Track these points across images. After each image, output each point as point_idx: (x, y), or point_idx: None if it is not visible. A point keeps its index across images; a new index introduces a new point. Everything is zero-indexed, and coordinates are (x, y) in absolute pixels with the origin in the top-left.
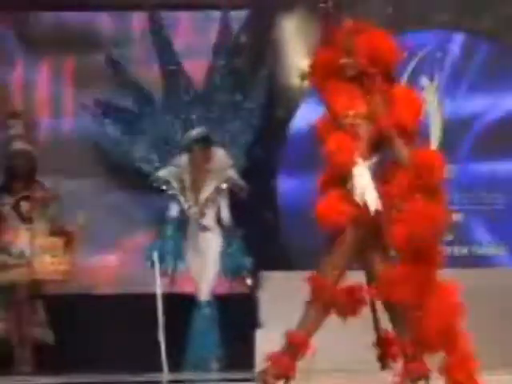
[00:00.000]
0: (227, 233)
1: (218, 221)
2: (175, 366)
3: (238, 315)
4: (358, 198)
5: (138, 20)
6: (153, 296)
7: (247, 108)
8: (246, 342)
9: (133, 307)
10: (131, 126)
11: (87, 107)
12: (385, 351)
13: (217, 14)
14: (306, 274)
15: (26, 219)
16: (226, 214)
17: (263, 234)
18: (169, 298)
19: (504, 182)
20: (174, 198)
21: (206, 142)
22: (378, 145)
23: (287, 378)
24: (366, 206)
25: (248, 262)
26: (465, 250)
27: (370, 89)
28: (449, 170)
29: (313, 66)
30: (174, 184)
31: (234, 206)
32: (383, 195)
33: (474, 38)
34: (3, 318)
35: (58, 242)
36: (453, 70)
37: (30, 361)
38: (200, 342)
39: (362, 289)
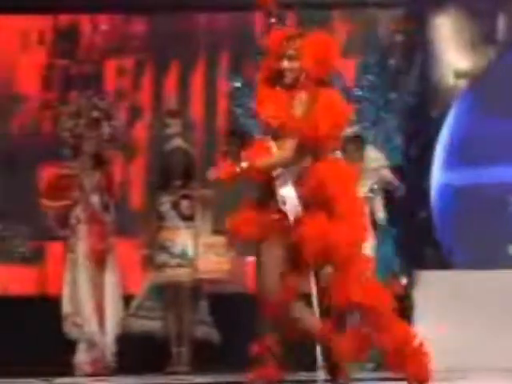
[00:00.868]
0: (381, 233)
1: (373, 221)
2: None
3: None
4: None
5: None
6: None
7: (401, 107)
8: None
9: None
10: None
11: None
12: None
13: (368, 11)
14: (461, 273)
15: (187, 218)
16: (381, 214)
17: (417, 233)
18: None
19: None
20: None
21: (359, 141)
22: (304, 149)
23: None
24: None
25: (397, 262)
26: None
27: (300, 91)
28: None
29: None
30: None
31: (388, 206)
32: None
33: None
34: (162, 317)
35: (221, 240)
36: None
37: (188, 360)
38: None
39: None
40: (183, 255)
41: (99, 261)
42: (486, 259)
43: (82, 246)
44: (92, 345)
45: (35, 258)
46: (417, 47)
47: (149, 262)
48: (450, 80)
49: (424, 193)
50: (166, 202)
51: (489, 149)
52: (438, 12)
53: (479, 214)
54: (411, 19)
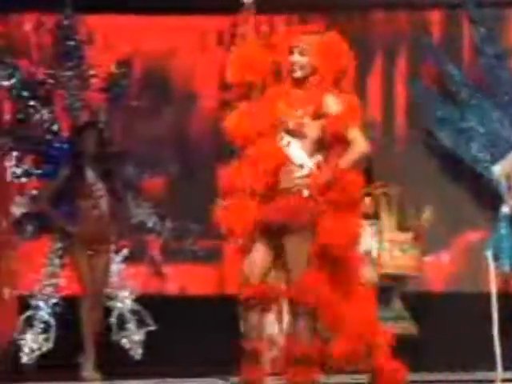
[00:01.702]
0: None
1: None
2: (509, 364)
3: None
4: None
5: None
6: (484, 295)
7: None
8: None
9: (464, 306)
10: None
11: None
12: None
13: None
14: None
15: (369, 216)
16: None
17: None
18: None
19: None
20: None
21: None
22: (323, 144)
23: None
24: None
25: None
26: None
27: (319, 89)
28: None
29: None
30: (503, 180)
31: None
32: None
33: None
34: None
35: (408, 236)
36: None
37: None
38: None
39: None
40: (367, 253)
41: None
42: None
43: None
44: (272, 344)
45: (211, 257)
46: None
47: None
48: None
49: None
50: None
51: None
52: None
53: None
54: None
